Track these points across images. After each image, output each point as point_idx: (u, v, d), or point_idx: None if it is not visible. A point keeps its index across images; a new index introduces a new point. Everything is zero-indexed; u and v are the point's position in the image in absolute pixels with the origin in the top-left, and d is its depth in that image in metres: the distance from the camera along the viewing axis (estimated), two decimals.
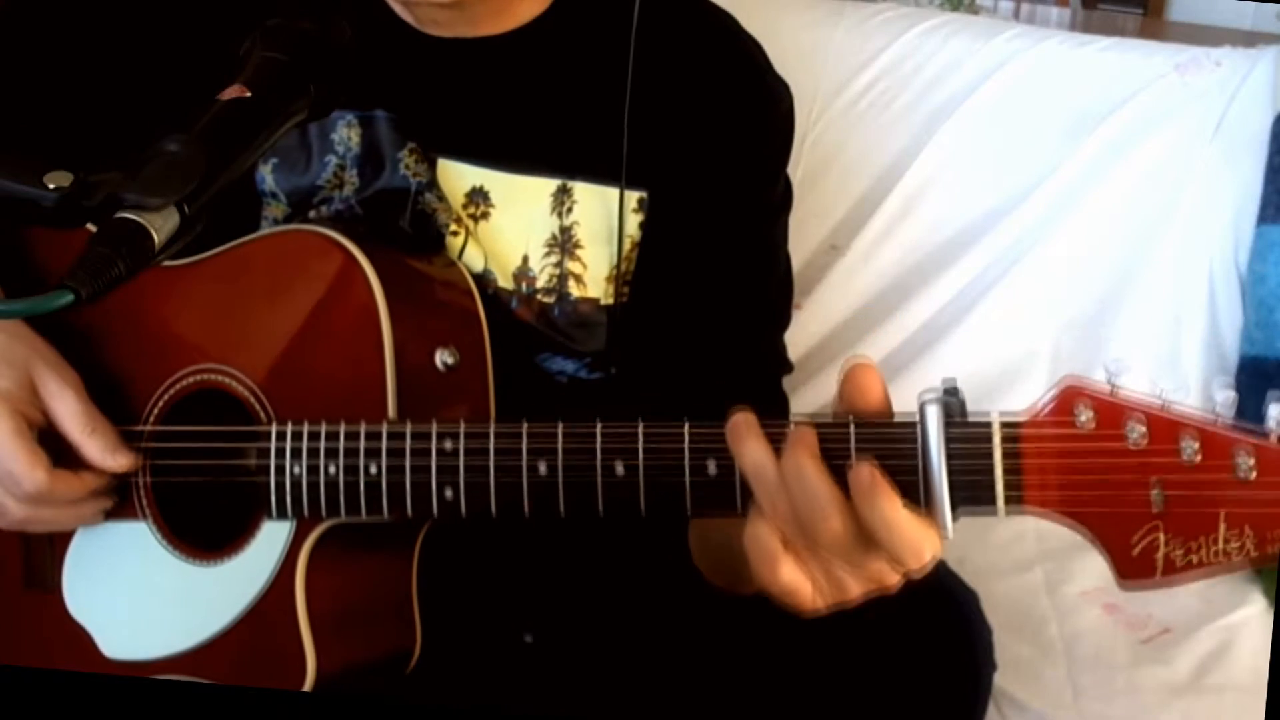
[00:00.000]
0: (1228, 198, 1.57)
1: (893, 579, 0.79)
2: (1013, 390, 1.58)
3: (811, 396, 1.59)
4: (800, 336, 1.63)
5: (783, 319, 1.13)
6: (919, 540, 0.76)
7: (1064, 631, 1.39)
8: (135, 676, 0.99)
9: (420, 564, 0.98)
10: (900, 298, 1.65)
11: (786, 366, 1.13)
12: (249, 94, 0.85)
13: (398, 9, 1.04)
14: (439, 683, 1.01)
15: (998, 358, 1.61)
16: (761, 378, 1.10)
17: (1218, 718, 1.30)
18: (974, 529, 1.44)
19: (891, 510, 0.75)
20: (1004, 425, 0.75)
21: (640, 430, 0.82)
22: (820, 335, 1.65)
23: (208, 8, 1.04)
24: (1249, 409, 1.59)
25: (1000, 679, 1.05)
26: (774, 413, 1.09)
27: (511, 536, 0.97)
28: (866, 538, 0.76)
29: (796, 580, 0.79)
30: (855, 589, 0.79)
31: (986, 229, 1.65)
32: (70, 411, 0.95)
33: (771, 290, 1.12)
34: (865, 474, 0.75)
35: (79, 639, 1.01)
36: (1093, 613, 1.41)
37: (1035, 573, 1.45)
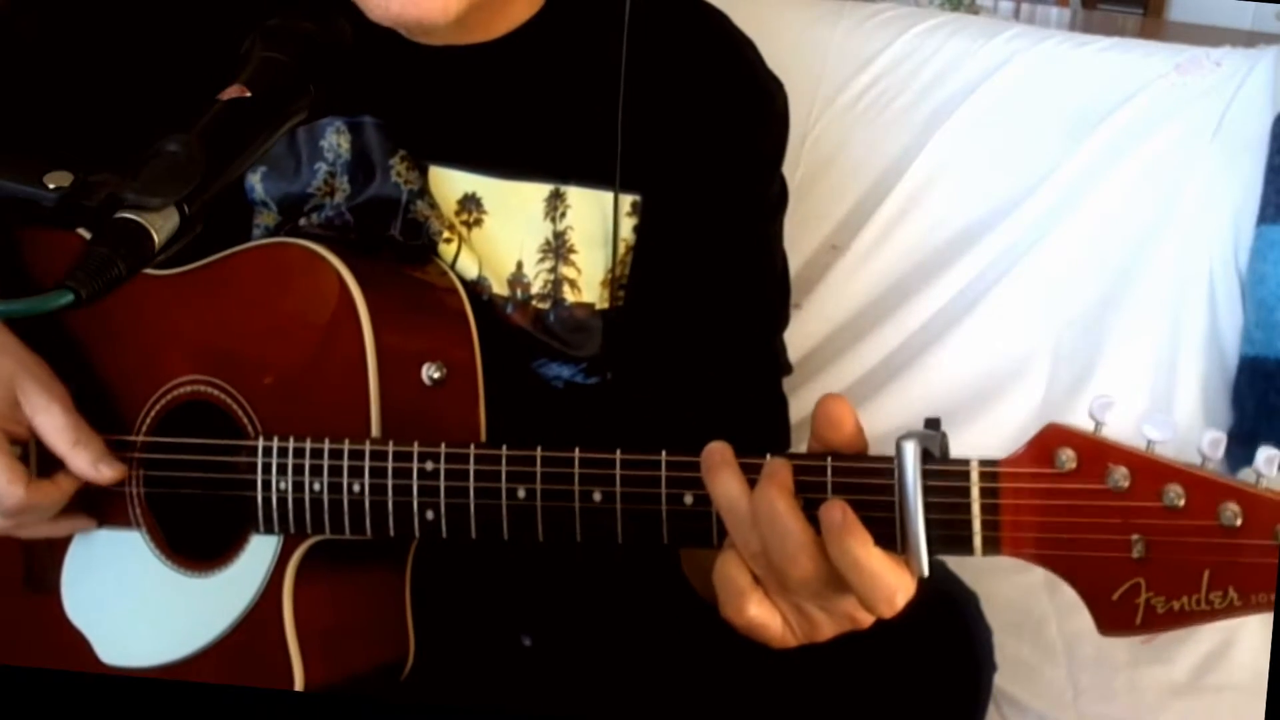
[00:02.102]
0: (1228, 198, 1.57)
1: (865, 619, 0.78)
2: (1012, 391, 1.58)
3: (811, 398, 1.57)
4: (800, 336, 1.63)
5: (780, 319, 1.13)
6: (890, 584, 0.74)
7: (1064, 631, 1.38)
8: (134, 676, 0.99)
9: (417, 567, 0.98)
10: (900, 298, 1.65)
11: (785, 368, 1.12)
12: (249, 94, 0.85)
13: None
14: (437, 685, 1.01)
15: (997, 358, 1.61)
16: (760, 380, 1.10)
17: (1218, 718, 1.30)
18: None
19: (862, 551, 0.74)
20: (982, 466, 0.74)
21: (618, 458, 0.82)
22: (820, 335, 1.65)
23: (208, 8, 1.04)
24: (1248, 410, 1.59)
25: (1000, 679, 1.05)
26: (773, 415, 1.10)
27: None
28: (837, 578, 0.75)
29: (764, 618, 0.78)
30: (827, 628, 0.79)
31: (986, 229, 1.65)
32: (55, 425, 0.95)
33: (768, 291, 1.11)
34: (836, 513, 0.74)
35: (77, 643, 1.01)
36: None
37: (1035, 572, 1.43)
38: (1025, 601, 1.41)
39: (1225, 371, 1.54)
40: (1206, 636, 1.38)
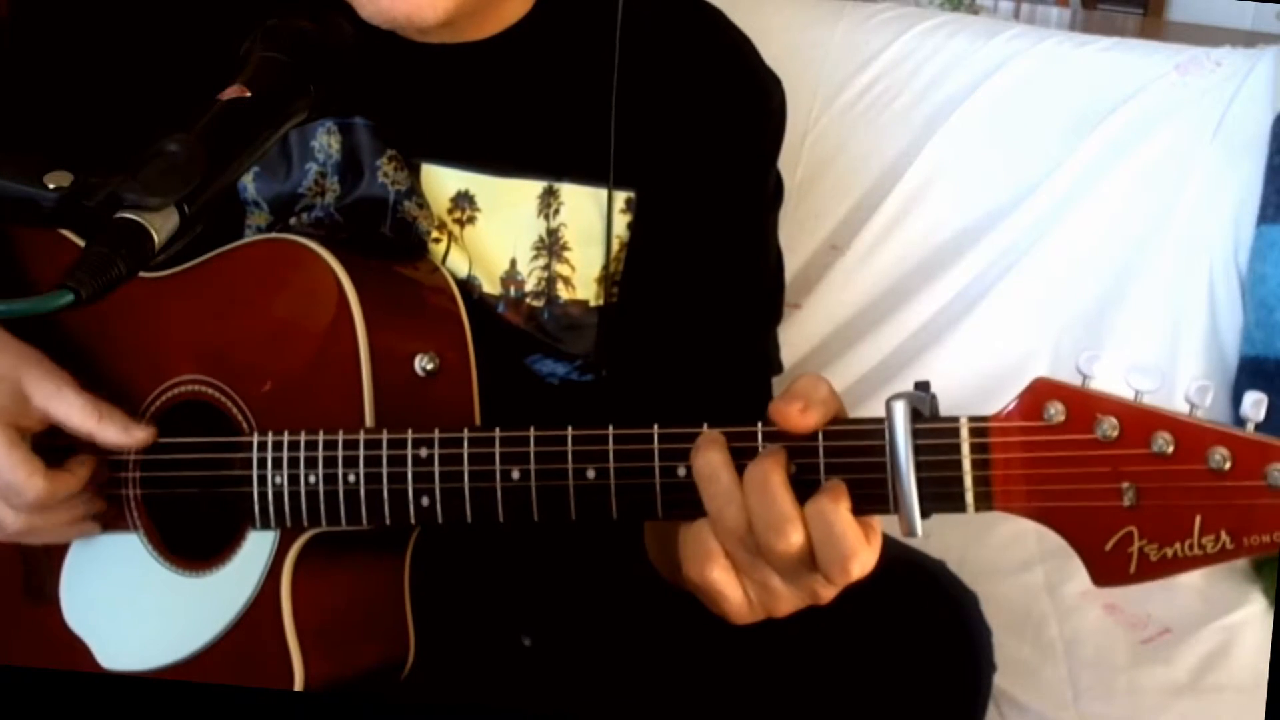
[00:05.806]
0: (1228, 198, 1.57)
1: (827, 592, 0.78)
2: (1012, 390, 1.58)
3: None
4: (800, 336, 1.63)
5: (774, 315, 1.13)
6: (850, 544, 0.74)
7: (1064, 631, 1.39)
8: (133, 676, 0.99)
9: (417, 567, 0.98)
10: (900, 298, 1.65)
11: (776, 366, 1.12)
12: (249, 94, 0.84)
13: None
14: (437, 685, 1.01)
15: (997, 358, 1.61)
16: (750, 377, 1.10)
17: (1218, 718, 1.30)
18: (973, 529, 1.45)
19: (830, 506, 0.74)
20: (972, 422, 0.74)
21: (610, 434, 0.82)
22: (820, 335, 1.65)
23: (208, 8, 1.04)
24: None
25: (1000, 679, 1.05)
26: (758, 415, 1.10)
27: (509, 538, 0.97)
28: (813, 555, 0.75)
29: (726, 583, 0.78)
30: (787, 604, 0.79)
31: (986, 229, 1.65)
32: (72, 405, 0.94)
33: (762, 287, 1.11)
34: (831, 480, 0.75)
35: (77, 650, 1.01)
36: (1093, 613, 1.41)
37: (1035, 573, 1.45)
38: (1025, 601, 1.42)
39: (1225, 371, 1.54)
40: (1206, 637, 1.38)
